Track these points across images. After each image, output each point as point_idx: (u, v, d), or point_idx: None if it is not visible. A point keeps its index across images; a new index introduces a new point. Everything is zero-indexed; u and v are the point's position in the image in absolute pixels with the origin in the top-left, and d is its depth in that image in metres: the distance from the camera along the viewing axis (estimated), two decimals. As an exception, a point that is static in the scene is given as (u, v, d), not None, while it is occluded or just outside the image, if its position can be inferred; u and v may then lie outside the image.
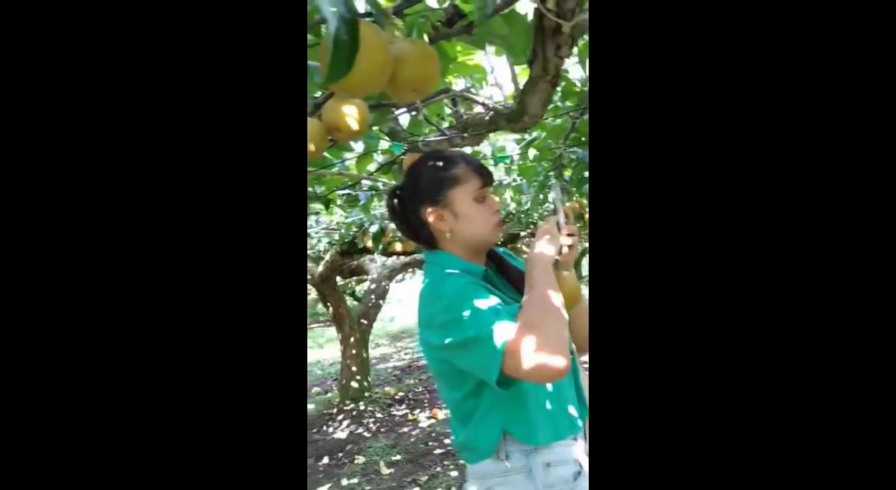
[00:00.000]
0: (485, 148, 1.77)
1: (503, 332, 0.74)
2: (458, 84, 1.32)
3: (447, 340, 0.81)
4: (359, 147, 1.52)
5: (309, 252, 4.16)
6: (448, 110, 1.24)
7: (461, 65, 1.07)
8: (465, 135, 1.26)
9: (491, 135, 1.69)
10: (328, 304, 4.33)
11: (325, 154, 1.40)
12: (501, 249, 1.10)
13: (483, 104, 1.10)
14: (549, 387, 0.88)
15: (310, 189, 1.78)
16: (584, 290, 0.97)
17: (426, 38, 0.72)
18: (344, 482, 2.99)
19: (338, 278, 4.77)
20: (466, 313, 0.78)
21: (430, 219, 0.93)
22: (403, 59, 0.59)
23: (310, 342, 8.90)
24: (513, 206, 2.83)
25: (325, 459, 3.40)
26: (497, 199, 0.94)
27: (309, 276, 4.05)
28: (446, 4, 0.72)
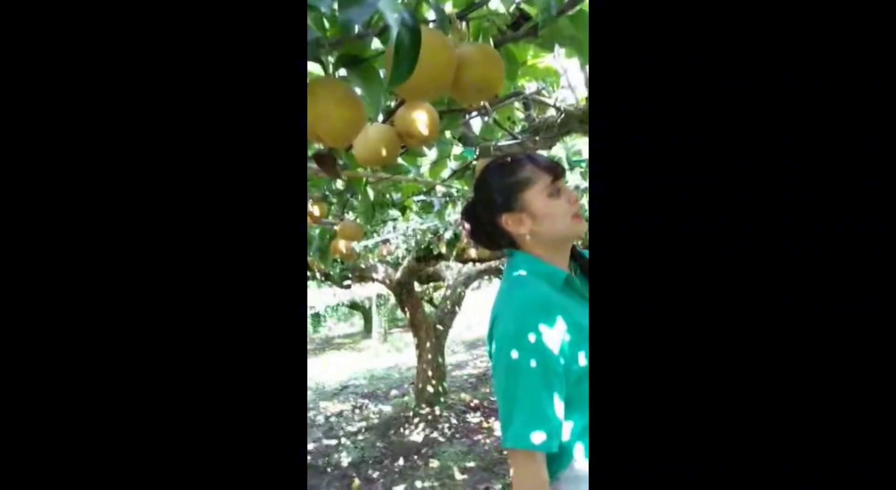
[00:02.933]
0: (559, 152, 1.74)
1: (534, 420, 0.79)
2: (529, 88, 1.32)
3: (495, 369, 0.85)
4: (432, 154, 1.56)
5: (388, 258, 4.30)
6: (520, 114, 1.24)
7: (532, 68, 1.07)
8: (537, 138, 1.26)
9: (566, 138, 1.67)
10: (405, 308, 4.44)
11: (400, 160, 1.46)
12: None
13: (554, 106, 1.09)
14: None
15: (386, 196, 1.85)
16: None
17: (491, 41, 0.73)
18: (418, 484, 3.04)
19: (416, 284, 4.88)
20: (515, 357, 0.81)
21: (509, 225, 0.93)
22: (467, 62, 0.61)
23: (388, 346, 9.14)
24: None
25: (401, 461, 3.47)
26: (569, 190, 0.90)
27: (387, 282, 4.18)
28: (512, 8, 0.73)
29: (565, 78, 1.15)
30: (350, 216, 2.00)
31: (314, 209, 1.62)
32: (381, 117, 0.98)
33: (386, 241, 3.36)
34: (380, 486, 3.13)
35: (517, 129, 1.35)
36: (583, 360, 0.84)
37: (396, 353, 8.36)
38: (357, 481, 3.22)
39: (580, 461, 0.83)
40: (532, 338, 0.82)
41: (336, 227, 1.93)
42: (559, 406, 0.82)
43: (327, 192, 1.71)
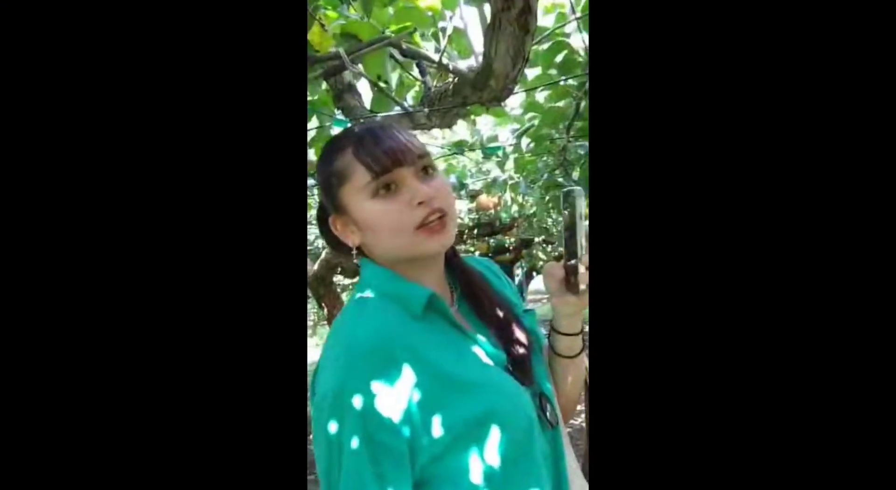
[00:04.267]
0: (464, 132, 1.46)
1: None
2: (426, 48, 1.03)
3: (315, 443, 0.57)
4: (310, 124, 1.25)
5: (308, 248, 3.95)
6: (393, 73, 0.95)
7: (413, 10, 0.78)
8: (427, 110, 0.97)
9: (476, 118, 1.39)
10: (322, 304, 4.11)
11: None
12: (485, 261, 0.78)
13: (440, 64, 0.81)
14: None
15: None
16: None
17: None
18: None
19: (341, 277, 4.54)
20: (333, 432, 0.55)
21: (338, 230, 0.64)
22: None
23: (318, 340, 8.74)
24: (515, 207, 2.51)
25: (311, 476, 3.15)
26: (423, 184, 0.59)
27: (303, 275, 3.84)
28: None
29: (460, 23, 0.86)
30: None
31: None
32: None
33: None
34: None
35: (408, 96, 1.07)
36: (438, 428, 0.57)
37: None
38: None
39: None
40: (358, 403, 0.54)
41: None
42: None
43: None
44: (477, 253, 4.73)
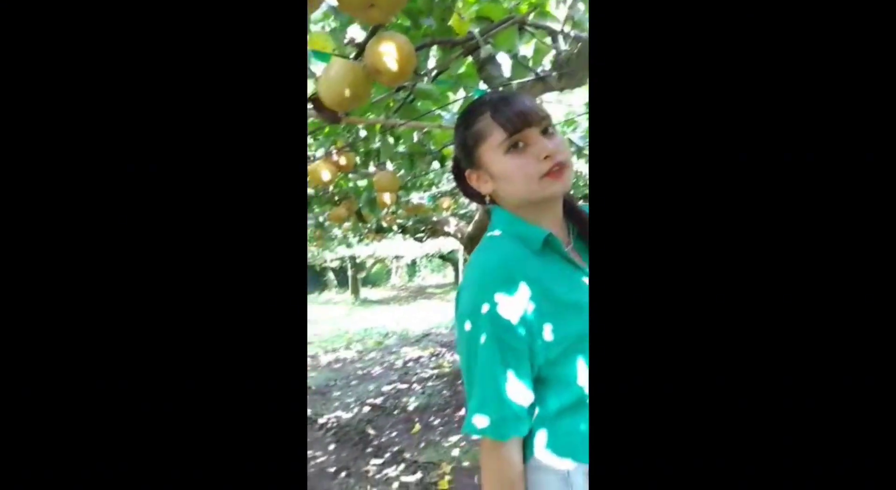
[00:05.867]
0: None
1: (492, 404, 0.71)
2: (559, 13, 1.12)
3: (457, 344, 0.77)
4: (458, 95, 1.42)
5: (461, 211, 4.22)
6: (522, 45, 1.06)
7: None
8: (554, 74, 1.07)
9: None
10: (477, 262, 4.37)
11: (419, 104, 1.34)
12: None
13: (561, 32, 0.90)
14: None
15: (423, 146, 1.75)
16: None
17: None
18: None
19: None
20: (469, 331, 0.73)
21: (473, 182, 0.81)
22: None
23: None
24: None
25: (463, 411, 3.50)
26: (547, 141, 0.74)
27: (458, 235, 4.13)
28: None
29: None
30: (390, 166, 1.93)
31: (340, 159, 1.58)
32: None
33: (451, 194, 3.26)
34: (438, 433, 3.20)
35: (545, 62, 1.17)
36: (549, 333, 0.72)
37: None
38: (418, 426, 3.33)
39: (540, 451, 0.73)
40: (486, 308, 0.71)
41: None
42: (519, 387, 0.71)
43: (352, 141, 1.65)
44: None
